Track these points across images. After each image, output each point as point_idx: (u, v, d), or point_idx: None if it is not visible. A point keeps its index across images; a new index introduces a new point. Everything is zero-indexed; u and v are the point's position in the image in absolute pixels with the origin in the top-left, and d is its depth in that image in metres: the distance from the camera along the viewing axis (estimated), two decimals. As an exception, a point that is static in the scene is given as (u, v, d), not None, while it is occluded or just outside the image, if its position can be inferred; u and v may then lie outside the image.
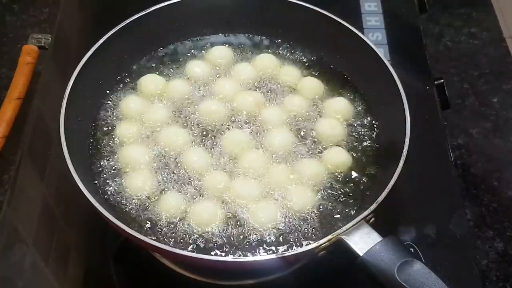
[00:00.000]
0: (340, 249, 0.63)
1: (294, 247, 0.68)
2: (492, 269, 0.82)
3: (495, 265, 0.82)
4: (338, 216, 0.72)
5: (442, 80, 0.98)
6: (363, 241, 0.62)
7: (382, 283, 0.60)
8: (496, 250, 0.84)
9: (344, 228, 0.63)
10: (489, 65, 1.08)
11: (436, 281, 0.57)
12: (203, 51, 0.90)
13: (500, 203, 0.89)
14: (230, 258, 0.66)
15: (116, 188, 0.74)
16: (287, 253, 0.63)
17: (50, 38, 1.01)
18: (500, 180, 0.92)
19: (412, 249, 0.78)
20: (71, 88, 0.74)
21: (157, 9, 0.86)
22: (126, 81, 0.86)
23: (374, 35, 1.06)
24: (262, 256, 0.64)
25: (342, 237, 0.63)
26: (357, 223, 0.63)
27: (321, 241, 0.63)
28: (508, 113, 1.01)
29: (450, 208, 0.85)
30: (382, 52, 1.02)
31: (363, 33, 1.04)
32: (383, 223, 0.66)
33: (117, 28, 0.82)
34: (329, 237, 0.63)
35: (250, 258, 0.65)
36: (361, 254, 0.61)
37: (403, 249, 0.61)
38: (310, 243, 0.64)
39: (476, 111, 1.02)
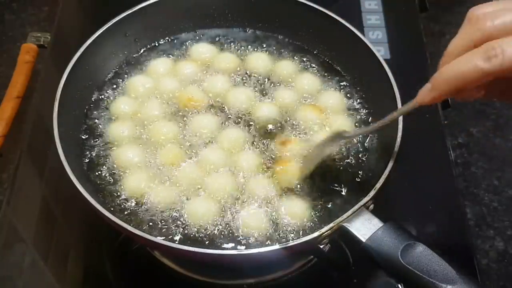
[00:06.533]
0: (343, 237, 0.63)
1: (297, 238, 0.67)
2: (492, 269, 0.82)
3: (495, 264, 0.82)
4: (338, 209, 0.72)
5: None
6: (364, 227, 0.62)
7: (386, 267, 0.60)
8: (497, 250, 0.84)
9: (345, 216, 0.63)
10: (489, 63, 1.08)
11: (439, 261, 0.57)
12: (193, 48, 0.89)
13: (500, 202, 0.89)
14: (234, 251, 0.66)
15: (114, 186, 0.73)
16: (290, 243, 0.62)
17: (49, 37, 1.01)
18: (501, 179, 0.92)
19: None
20: (62, 91, 0.74)
21: (141, 8, 0.85)
22: (116, 81, 0.85)
23: (375, 33, 1.06)
24: (265, 247, 0.63)
25: (344, 224, 0.63)
26: (357, 209, 0.63)
27: (323, 229, 0.63)
28: (509, 112, 1.01)
29: (450, 208, 0.85)
30: (382, 51, 1.02)
31: (363, 31, 1.05)
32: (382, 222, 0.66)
33: (103, 29, 0.82)
34: (331, 225, 0.63)
35: (254, 250, 0.64)
36: (363, 240, 0.61)
37: (405, 232, 0.61)
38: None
39: (476, 110, 1.02)
